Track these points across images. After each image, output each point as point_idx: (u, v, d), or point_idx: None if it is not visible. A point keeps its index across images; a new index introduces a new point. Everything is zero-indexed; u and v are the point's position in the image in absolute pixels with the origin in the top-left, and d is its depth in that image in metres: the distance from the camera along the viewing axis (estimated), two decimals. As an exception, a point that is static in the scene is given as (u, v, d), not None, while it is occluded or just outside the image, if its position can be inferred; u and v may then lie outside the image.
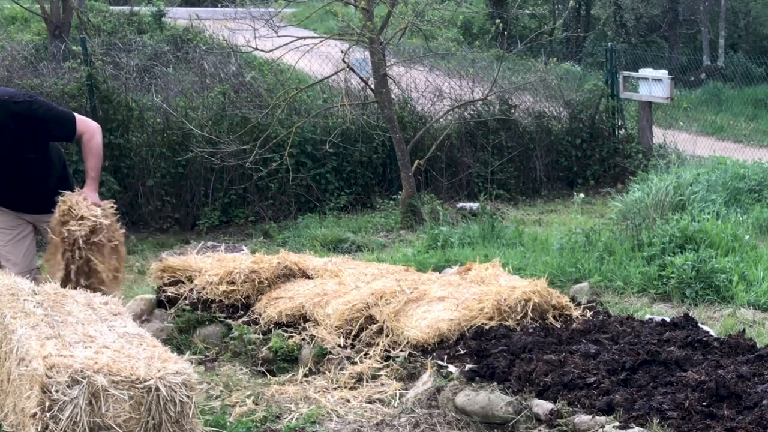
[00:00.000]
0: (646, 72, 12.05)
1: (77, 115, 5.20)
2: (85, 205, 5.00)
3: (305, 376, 5.10)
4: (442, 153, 10.84)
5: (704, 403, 4.01)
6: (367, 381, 4.88)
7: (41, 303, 4.14)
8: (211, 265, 6.05)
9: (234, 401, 4.77)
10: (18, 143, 4.93)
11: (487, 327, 4.99)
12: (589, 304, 5.61)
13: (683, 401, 4.01)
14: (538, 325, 5.09)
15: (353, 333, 5.19)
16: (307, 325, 5.41)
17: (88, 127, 5.15)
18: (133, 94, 9.98)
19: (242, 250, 7.33)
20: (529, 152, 11.43)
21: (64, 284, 4.86)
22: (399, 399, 4.66)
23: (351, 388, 4.86)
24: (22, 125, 4.91)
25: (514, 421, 4.20)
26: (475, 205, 9.48)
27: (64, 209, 4.98)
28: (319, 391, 4.85)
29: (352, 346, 5.15)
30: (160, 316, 5.84)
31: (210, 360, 5.46)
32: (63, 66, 10.38)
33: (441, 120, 10.97)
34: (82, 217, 4.94)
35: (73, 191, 5.14)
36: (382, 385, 4.82)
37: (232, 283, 5.82)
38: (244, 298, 5.80)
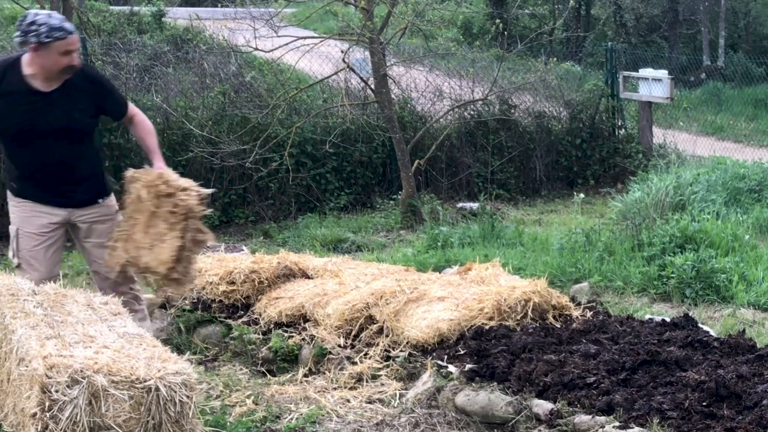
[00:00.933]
0: (646, 72, 12.04)
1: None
2: (178, 177, 4.83)
3: (305, 376, 5.10)
4: (442, 153, 10.83)
5: (704, 403, 4.00)
6: (367, 381, 4.87)
7: (41, 303, 4.14)
8: (211, 265, 6.06)
9: (234, 401, 4.77)
10: (73, 109, 4.76)
11: (487, 327, 4.99)
12: (589, 304, 5.61)
13: (683, 401, 4.01)
14: (538, 325, 5.09)
15: (353, 333, 5.19)
16: (307, 325, 5.41)
17: (136, 110, 5.14)
18: (133, 94, 9.98)
19: (242, 250, 7.33)
20: (529, 152, 11.42)
21: (179, 253, 4.70)
22: (399, 399, 4.66)
23: (351, 388, 4.85)
24: (87, 88, 4.81)
25: (514, 421, 4.20)
26: (475, 205, 9.48)
27: (159, 179, 4.76)
28: (319, 391, 4.85)
29: (352, 346, 5.14)
30: (160, 316, 5.83)
31: (210, 360, 5.46)
32: (63, 66, 10.37)
33: (441, 120, 10.96)
34: (185, 188, 4.75)
35: (105, 184, 5.04)
36: (382, 385, 4.82)
37: (232, 283, 5.82)
38: (244, 298, 5.79)
